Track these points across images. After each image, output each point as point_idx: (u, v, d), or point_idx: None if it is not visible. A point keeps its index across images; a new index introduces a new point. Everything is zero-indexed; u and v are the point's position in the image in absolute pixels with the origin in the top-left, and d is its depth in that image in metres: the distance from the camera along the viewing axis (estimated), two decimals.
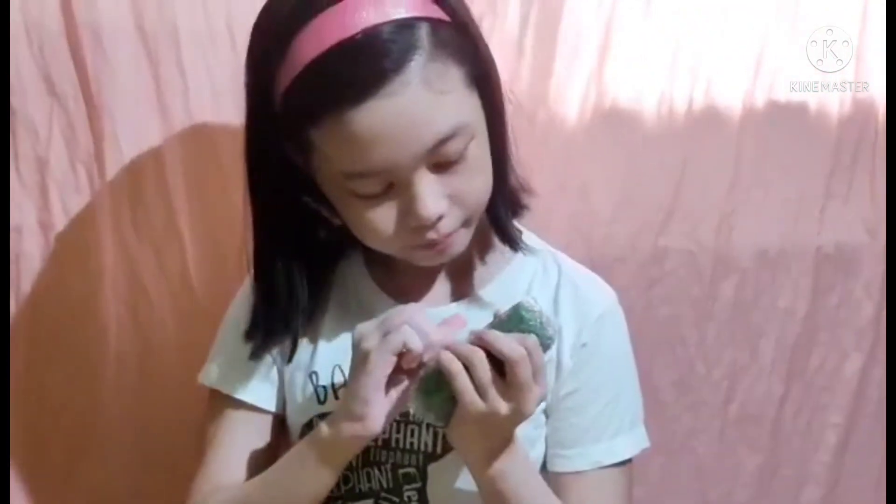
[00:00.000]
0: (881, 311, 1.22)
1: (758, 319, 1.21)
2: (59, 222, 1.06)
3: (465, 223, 0.84)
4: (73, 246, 1.06)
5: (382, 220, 0.81)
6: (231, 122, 1.03)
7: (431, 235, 0.82)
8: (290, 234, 0.87)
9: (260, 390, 0.93)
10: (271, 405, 0.93)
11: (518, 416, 0.77)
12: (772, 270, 1.20)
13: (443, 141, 0.78)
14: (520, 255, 0.93)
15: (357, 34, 0.75)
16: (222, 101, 1.05)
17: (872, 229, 1.21)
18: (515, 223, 0.93)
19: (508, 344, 0.75)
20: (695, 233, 1.18)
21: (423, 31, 0.77)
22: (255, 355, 0.90)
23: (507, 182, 0.89)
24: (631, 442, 0.93)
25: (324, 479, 0.83)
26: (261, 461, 0.92)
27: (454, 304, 0.92)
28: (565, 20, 1.10)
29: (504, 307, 0.79)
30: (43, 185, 1.05)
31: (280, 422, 0.95)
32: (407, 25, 0.76)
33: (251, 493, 0.87)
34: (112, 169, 1.05)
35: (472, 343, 0.76)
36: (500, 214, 0.89)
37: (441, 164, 0.80)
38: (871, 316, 1.22)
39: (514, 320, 0.78)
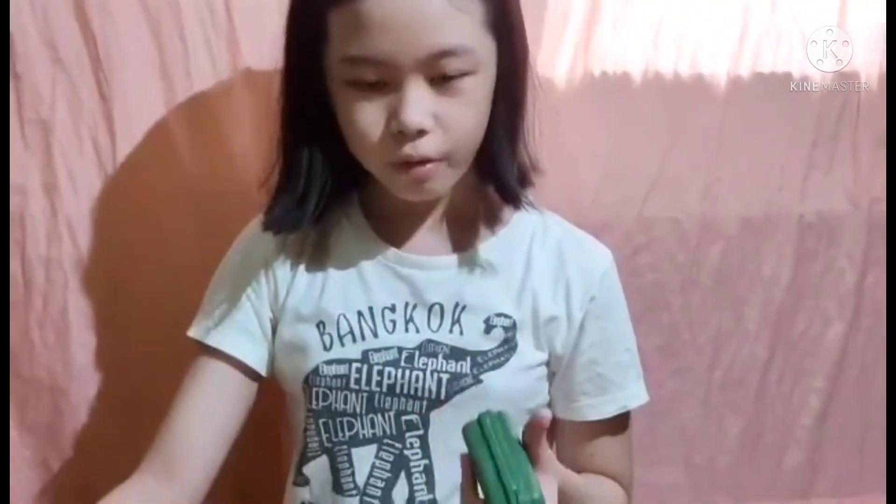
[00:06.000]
0: (862, 280, 1.24)
1: (742, 286, 1.22)
2: (64, 185, 1.08)
3: (447, 157, 0.86)
4: (79, 210, 1.08)
5: (371, 118, 0.84)
6: (231, 97, 1.08)
7: (408, 151, 0.84)
8: (314, 124, 0.89)
9: (243, 344, 0.94)
10: (251, 360, 0.93)
11: None
12: (756, 238, 1.22)
13: (446, 53, 0.81)
14: (519, 213, 0.96)
15: None
16: (222, 74, 1.09)
17: (854, 198, 1.23)
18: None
19: None
20: (681, 200, 1.19)
21: None
22: (268, 228, 0.91)
23: (517, 138, 0.92)
24: (645, 386, 0.99)
25: None
26: (229, 417, 0.93)
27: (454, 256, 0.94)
28: None
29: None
30: (47, 148, 1.07)
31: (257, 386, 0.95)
32: None
33: None
34: (121, 132, 1.08)
35: None
36: (506, 170, 0.90)
37: (437, 80, 0.83)
38: (852, 284, 1.24)
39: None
